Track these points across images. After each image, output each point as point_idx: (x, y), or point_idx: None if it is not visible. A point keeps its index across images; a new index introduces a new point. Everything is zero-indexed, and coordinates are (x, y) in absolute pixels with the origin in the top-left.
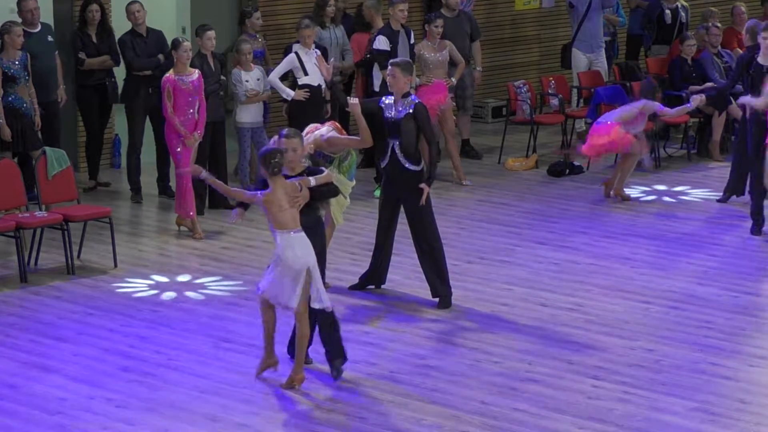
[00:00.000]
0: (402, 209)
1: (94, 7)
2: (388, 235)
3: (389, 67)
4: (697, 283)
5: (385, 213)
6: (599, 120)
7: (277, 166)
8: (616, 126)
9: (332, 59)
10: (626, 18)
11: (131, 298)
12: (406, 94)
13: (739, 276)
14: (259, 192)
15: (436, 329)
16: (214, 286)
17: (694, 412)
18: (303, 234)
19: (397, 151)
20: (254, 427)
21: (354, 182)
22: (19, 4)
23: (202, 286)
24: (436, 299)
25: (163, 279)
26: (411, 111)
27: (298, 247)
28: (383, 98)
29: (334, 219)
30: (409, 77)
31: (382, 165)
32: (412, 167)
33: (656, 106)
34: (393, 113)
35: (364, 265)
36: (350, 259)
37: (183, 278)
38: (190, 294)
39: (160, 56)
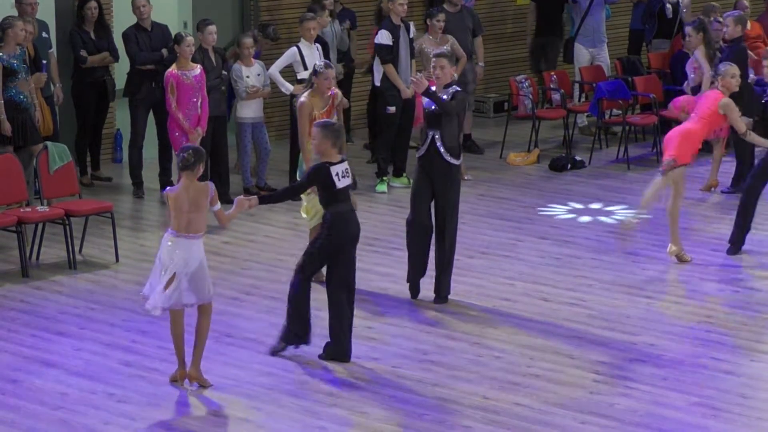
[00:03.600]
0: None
1: (92, 4)
2: (426, 236)
3: (434, 59)
4: (699, 278)
5: (422, 208)
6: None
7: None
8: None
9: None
10: (611, 11)
11: (133, 293)
12: (449, 84)
13: (740, 271)
14: None
15: (438, 324)
16: None
17: (695, 406)
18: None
19: (438, 143)
20: (256, 422)
21: None
22: None
23: None
24: (434, 294)
25: None
26: (449, 96)
27: None
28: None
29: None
30: (455, 67)
31: (418, 155)
32: (452, 160)
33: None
34: (434, 104)
35: (364, 261)
36: None
37: None
38: None
39: (164, 51)
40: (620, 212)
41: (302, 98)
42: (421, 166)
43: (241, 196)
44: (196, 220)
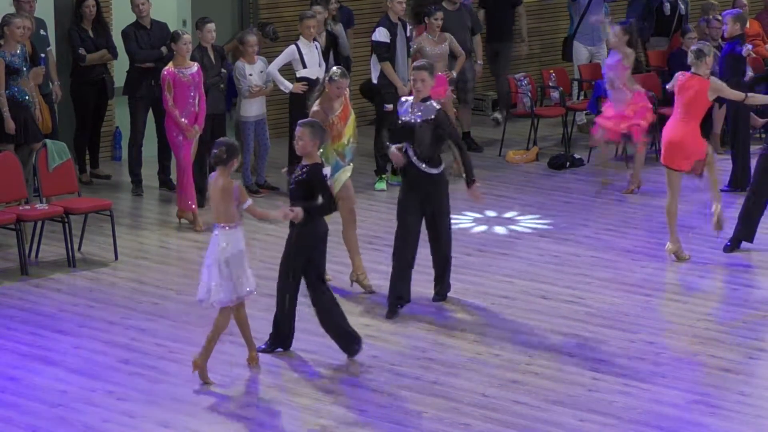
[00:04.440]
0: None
1: (91, 2)
2: (414, 247)
3: (415, 71)
4: (698, 275)
5: (410, 221)
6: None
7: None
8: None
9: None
10: (609, 8)
11: (132, 291)
12: (426, 98)
13: (739, 268)
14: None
15: (437, 322)
16: None
17: (694, 404)
18: None
19: (411, 154)
20: (255, 420)
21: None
22: None
23: None
24: (434, 292)
25: None
26: (432, 118)
27: None
28: (401, 100)
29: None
30: (447, 72)
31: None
32: (431, 170)
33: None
34: (409, 116)
35: (363, 259)
36: None
37: None
38: None
39: (163, 48)
40: (526, 221)
41: (315, 107)
42: (404, 177)
43: (287, 207)
44: (227, 212)
